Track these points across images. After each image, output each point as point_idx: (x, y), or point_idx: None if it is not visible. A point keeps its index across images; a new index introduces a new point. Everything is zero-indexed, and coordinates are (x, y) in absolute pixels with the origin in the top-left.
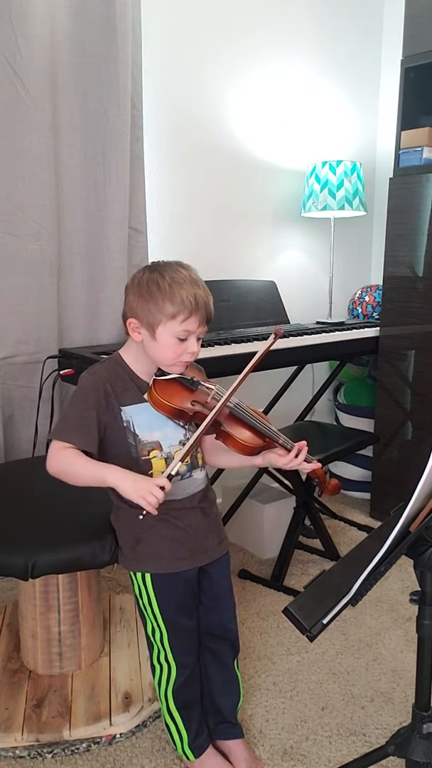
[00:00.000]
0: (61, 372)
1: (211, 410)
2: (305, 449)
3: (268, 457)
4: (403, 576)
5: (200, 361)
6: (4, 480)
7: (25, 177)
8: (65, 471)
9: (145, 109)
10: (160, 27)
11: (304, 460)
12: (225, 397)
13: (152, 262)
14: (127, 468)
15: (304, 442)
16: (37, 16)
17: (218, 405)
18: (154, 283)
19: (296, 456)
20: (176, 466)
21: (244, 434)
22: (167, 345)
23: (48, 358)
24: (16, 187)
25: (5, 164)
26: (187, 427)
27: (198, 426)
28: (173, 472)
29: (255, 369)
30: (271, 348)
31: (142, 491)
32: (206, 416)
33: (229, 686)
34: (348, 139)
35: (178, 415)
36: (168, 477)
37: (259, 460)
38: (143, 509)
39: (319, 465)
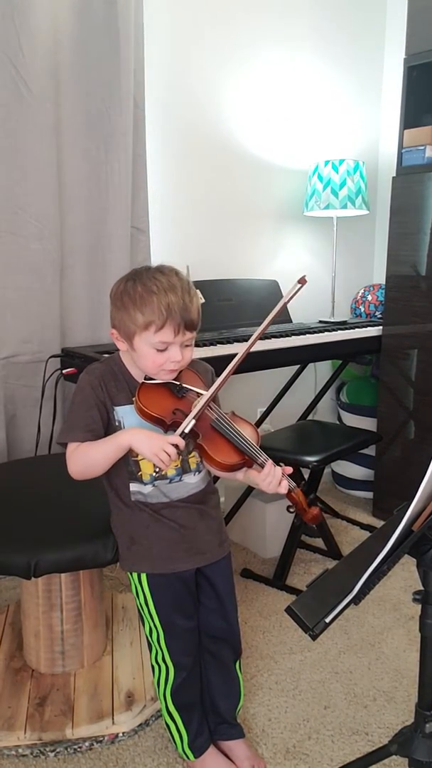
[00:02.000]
0: (64, 371)
1: (189, 417)
2: (282, 472)
3: (248, 476)
4: (405, 575)
5: (203, 361)
6: (7, 479)
7: (28, 176)
8: (86, 466)
9: (147, 108)
10: (163, 26)
11: (285, 484)
12: (209, 392)
13: (133, 270)
14: (118, 467)
15: (289, 469)
16: (39, 15)
17: (198, 409)
18: (126, 293)
19: (273, 476)
20: (189, 424)
21: (220, 450)
22: (146, 355)
23: (50, 357)
24: (18, 187)
25: (7, 163)
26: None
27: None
28: (186, 430)
29: (257, 367)
30: (273, 347)
31: (156, 449)
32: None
33: (229, 688)
34: (350, 138)
35: (156, 422)
36: (180, 435)
37: (240, 476)
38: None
39: (298, 489)
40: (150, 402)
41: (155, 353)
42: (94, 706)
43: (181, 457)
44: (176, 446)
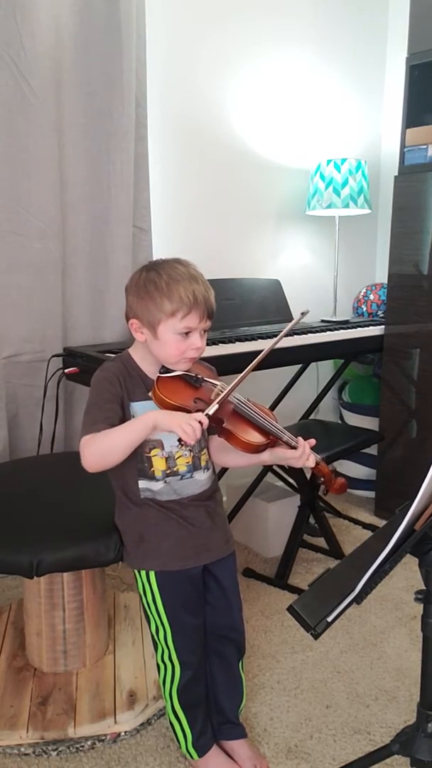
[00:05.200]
0: (66, 371)
1: (217, 399)
2: (309, 445)
3: (275, 453)
4: (407, 574)
5: (205, 360)
6: (9, 478)
7: (30, 176)
8: (105, 451)
9: (149, 107)
10: (165, 25)
11: (313, 457)
12: (229, 388)
13: (150, 261)
14: (129, 463)
15: (312, 441)
16: (41, 15)
17: (222, 395)
18: (151, 282)
19: (303, 452)
20: (214, 408)
21: (246, 432)
22: (170, 342)
23: (52, 356)
24: (20, 186)
25: (10, 163)
26: None
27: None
28: (210, 412)
29: (260, 367)
30: (276, 347)
31: (181, 420)
32: None
33: (232, 688)
34: (353, 137)
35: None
36: (206, 415)
37: (266, 456)
38: (180, 441)
39: (323, 462)
40: (170, 393)
41: (179, 340)
42: (96, 705)
43: (192, 453)
44: (200, 423)
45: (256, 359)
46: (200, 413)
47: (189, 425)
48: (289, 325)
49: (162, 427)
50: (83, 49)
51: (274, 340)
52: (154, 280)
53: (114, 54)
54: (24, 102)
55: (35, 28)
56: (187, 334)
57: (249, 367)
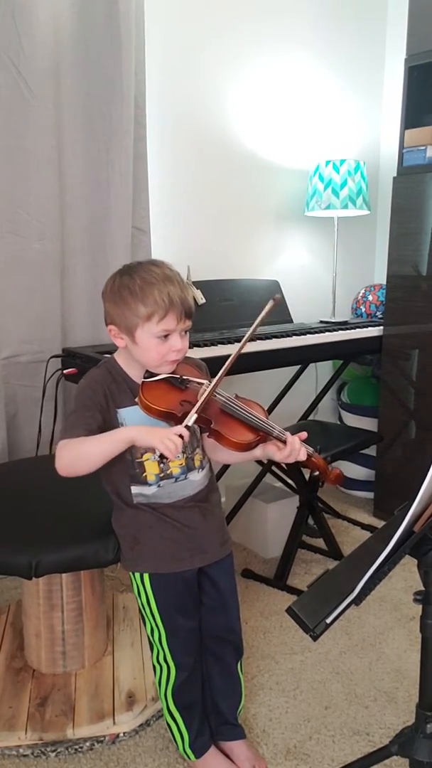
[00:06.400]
0: (65, 371)
1: (194, 408)
2: (300, 439)
3: (266, 450)
4: (406, 575)
5: (204, 361)
6: (8, 479)
7: (29, 177)
8: (76, 458)
9: (148, 108)
10: (164, 26)
11: (304, 451)
12: (209, 389)
13: (124, 265)
14: (120, 470)
15: (303, 434)
16: (40, 15)
17: (207, 392)
18: (125, 287)
19: (292, 448)
20: (193, 418)
21: (235, 431)
22: (149, 347)
23: (51, 357)
24: (19, 187)
25: (9, 164)
26: None
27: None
28: (189, 423)
29: (258, 368)
30: (274, 347)
31: (161, 435)
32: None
33: (231, 689)
34: (352, 138)
35: (166, 418)
36: (185, 427)
37: (258, 452)
38: (161, 457)
39: (316, 454)
40: (156, 398)
41: (158, 343)
42: (94, 707)
43: (185, 455)
44: (181, 436)
45: (233, 354)
46: (180, 426)
47: (170, 440)
48: (263, 312)
49: (141, 443)
50: (82, 49)
51: (249, 330)
52: (128, 285)
53: (113, 54)
54: (23, 102)
55: (34, 29)
56: (165, 336)
57: (227, 363)
